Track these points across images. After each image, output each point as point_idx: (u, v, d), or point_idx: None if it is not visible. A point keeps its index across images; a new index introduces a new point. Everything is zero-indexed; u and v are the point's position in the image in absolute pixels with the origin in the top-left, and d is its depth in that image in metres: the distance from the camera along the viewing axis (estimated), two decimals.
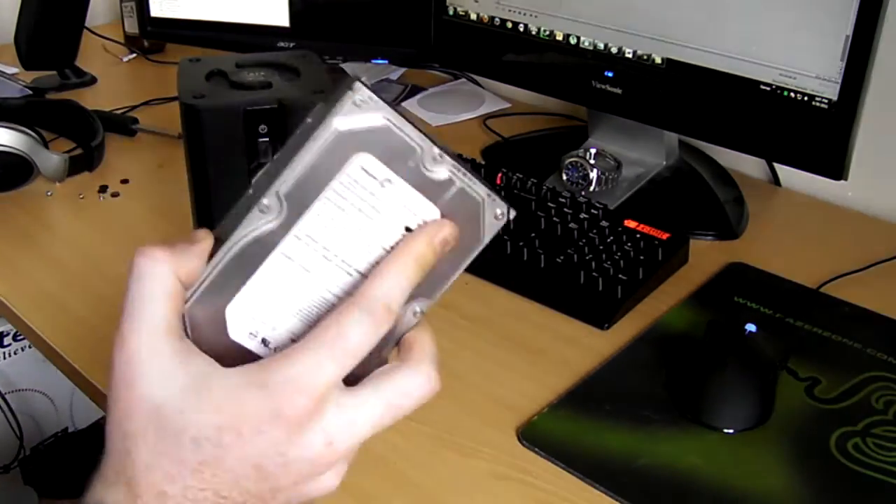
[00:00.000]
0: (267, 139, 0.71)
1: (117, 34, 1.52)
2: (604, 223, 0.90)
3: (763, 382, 0.71)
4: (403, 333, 0.43)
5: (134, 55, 1.49)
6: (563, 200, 0.94)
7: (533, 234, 0.89)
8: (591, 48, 1.00)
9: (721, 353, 0.70)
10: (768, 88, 0.88)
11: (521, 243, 0.87)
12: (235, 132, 0.71)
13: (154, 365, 0.39)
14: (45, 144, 1.02)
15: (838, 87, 0.83)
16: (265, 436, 0.39)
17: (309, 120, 0.40)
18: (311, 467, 0.40)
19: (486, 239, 0.43)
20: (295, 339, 0.42)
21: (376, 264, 0.41)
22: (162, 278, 0.40)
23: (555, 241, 0.88)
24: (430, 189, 0.41)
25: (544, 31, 1.03)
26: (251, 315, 0.42)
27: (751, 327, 0.72)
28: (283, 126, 0.71)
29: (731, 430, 0.69)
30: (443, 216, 0.41)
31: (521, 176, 0.98)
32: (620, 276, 0.83)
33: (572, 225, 0.90)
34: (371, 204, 0.41)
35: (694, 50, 0.92)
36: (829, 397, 0.73)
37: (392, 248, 0.41)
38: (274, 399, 0.38)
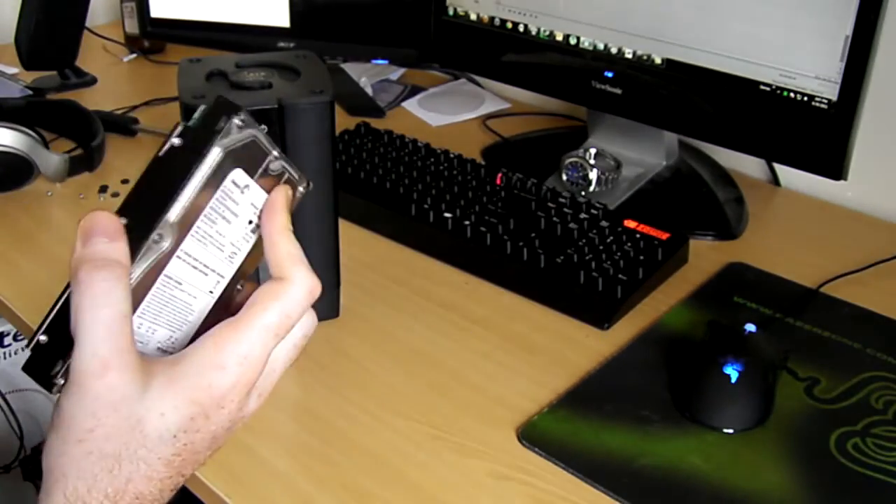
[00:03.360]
0: None
1: (117, 34, 1.52)
2: (604, 223, 0.90)
3: (763, 382, 0.71)
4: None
5: (134, 55, 1.49)
6: (563, 200, 0.94)
7: (533, 234, 0.89)
8: (590, 48, 1.00)
9: (721, 353, 0.70)
10: (768, 88, 0.88)
11: (521, 243, 0.87)
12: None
13: (130, 384, 0.40)
14: (46, 145, 1.02)
15: (838, 87, 0.83)
16: (224, 410, 0.43)
17: (177, 142, 0.41)
18: (244, 420, 0.45)
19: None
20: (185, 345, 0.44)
21: (230, 259, 0.45)
22: (122, 299, 0.40)
23: (555, 241, 0.88)
24: (270, 184, 0.45)
25: (544, 31, 1.03)
26: (139, 333, 0.43)
27: (751, 327, 0.72)
28: (283, 126, 0.71)
29: (730, 430, 0.69)
30: None
31: (521, 176, 0.98)
32: (620, 276, 0.83)
33: (572, 225, 0.90)
34: (232, 210, 0.43)
35: (694, 50, 0.92)
36: (829, 397, 0.73)
37: (240, 242, 0.45)
38: (234, 376, 0.42)
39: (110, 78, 1.40)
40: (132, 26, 1.47)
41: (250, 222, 0.45)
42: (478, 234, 0.89)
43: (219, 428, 0.43)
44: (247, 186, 0.43)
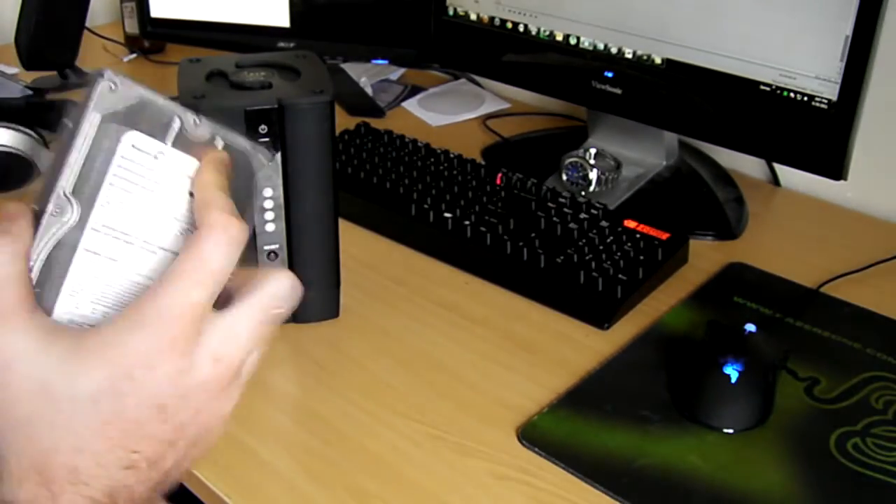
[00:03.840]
0: (267, 139, 0.71)
1: (117, 34, 1.52)
2: (604, 223, 0.90)
3: (763, 382, 0.71)
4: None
5: (134, 55, 1.49)
6: (563, 200, 0.94)
7: (533, 234, 0.89)
8: (590, 48, 1.00)
9: (721, 353, 0.70)
10: (768, 88, 0.88)
11: (521, 243, 0.87)
12: (236, 132, 0.71)
13: (28, 342, 0.39)
14: (46, 144, 1.02)
15: (838, 87, 0.83)
16: (156, 371, 0.39)
17: (67, 122, 0.41)
18: (206, 392, 0.41)
19: (261, 184, 0.45)
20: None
21: (175, 236, 0.43)
22: (5, 264, 0.39)
23: (555, 241, 0.88)
24: (199, 151, 0.43)
25: (544, 31, 1.03)
26: (76, 316, 0.42)
27: (751, 327, 0.72)
28: (283, 126, 0.71)
29: (730, 430, 0.69)
30: None
31: (521, 176, 0.98)
32: (620, 276, 0.83)
33: (572, 225, 0.90)
34: (151, 179, 0.42)
35: (694, 50, 0.92)
36: (829, 397, 0.73)
37: (183, 217, 0.43)
38: (154, 333, 0.39)
39: None
40: (132, 26, 1.47)
41: (191, 194, 0.43)
42: (478, 234, 0.89)
43: (160, 395, 0.39)
44: (161, 153, 0.42)
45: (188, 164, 0.43)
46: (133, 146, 0.41)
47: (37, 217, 0.41)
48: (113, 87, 0.41)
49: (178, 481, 0.42)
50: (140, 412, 0.39)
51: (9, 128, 0.98)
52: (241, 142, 0.45)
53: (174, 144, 0.42)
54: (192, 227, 0.43)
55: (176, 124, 0.42)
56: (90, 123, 0.41)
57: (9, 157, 0.98)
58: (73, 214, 0.41)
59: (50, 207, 0.40)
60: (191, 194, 0.43)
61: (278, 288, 0.43)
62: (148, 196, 0.42)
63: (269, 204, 0.74)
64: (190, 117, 0.43)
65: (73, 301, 0.42)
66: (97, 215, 0.41)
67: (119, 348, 0.39)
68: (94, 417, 0.38)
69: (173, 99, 0.43)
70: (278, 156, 0.46)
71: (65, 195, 0.40)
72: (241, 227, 0.41)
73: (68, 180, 0.40)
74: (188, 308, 0.40)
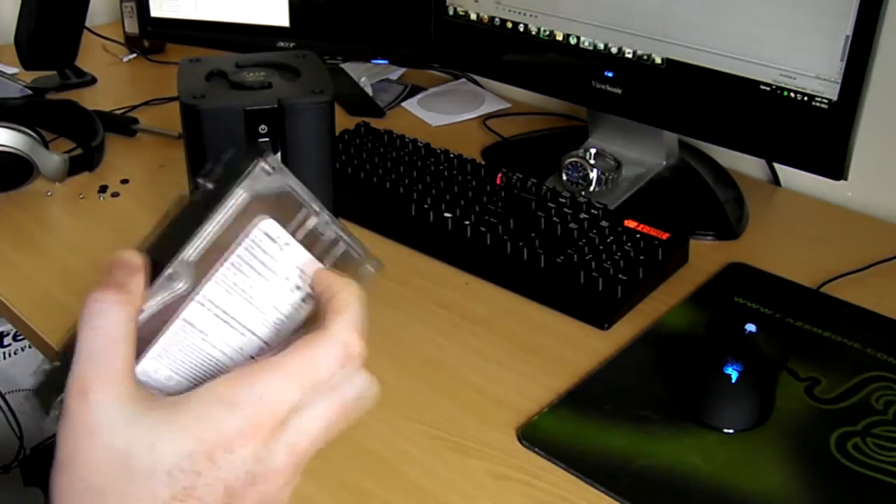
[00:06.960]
0: (267, 139, 0.71)
1: (117, 34, 1.52)
2: (604, 223, 0.90)
3: (763, 382, 0.71)
4: None
5: (134, 55, 1.49)
6: (563, 200, 0.94)
7: (533, 234, 0.89)
8: (590, 48, 1.00)
9: (721, 353, 0.70)
10: (768, 88, 0.88)
11: (521, 243, 0.87)
12: (235, 132, 0.71)
13: (118, 411, 0.38)
14: (45, 144, 1.02)
15: (838, 87, 0.83)
16: (235, 455, 0.39)
17: (210, 186, 0.41)
18: (274, 479, 0.40)
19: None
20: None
21: (273, 324, 0.43)
22: (119, 323, 0.39)
23: (555, 241, 0.88)
24: (320, 250, 0.43)
25: (544, 31, 1.03)
26: (151, 379, 0.42)
27: (751, 327, 0.72)
28: (283, 126, 0.72)
29: (730, 430, 0.69)
30: None
31: (521, 176, 0.98)
32: (620, 276, 0.83)
33: (572, 225, 0.90)
34: (269, 266, 0.42)
35: (694, 50, 0.92)
36: (829, 397, 0.73)
37: (283, 307, 0.43)
38: (245, 417, 0.39)
39: (110, 78, 1.40)
40: (132, 26, 1.47)
41: (298, 288, 0.43)
42: (478, 234, 0.89)
43: (231, 478, 0.39)
44: (287, 244, 0.42)
45: (307, 261, 0.43)
46: (265, 232, 0.41)
47: (152, 265, 0.41)
48: (269, 172, 0.41)
49: None
50: (211, 495, 0.39)
51: (9, 128, 0.98)
52: (358, 249, 0.45)
53: (301, 239, 0.43)
54: (287, 319, 0.43)
55: (311, 223, 0.43)
56: (236, 201, 0.41)
57: (9, 157, 0.99)
58: (186, 285, 0.41)
59: (169, 271, 0.40)
60: (297, 287, 0.43)
61: (360, 391, 0.44)
62: (261, 283, 0.42)
63: None
64: (325, 217, 0.43)
65: (154, 365, 0.41)
66: (208, 290, 0.41)
67: (207, 425, 0.39)
68: (166, 491, 0.38)
69: (249, 150, 0.43)
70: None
71: (186, 263, 0.40)
72: (361, 351, 0.42)
73: (196, 249, 0.40)
74: (285, 403, 0.40)
